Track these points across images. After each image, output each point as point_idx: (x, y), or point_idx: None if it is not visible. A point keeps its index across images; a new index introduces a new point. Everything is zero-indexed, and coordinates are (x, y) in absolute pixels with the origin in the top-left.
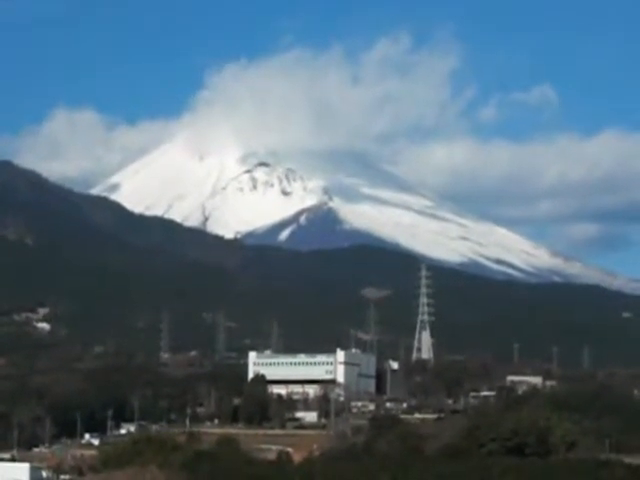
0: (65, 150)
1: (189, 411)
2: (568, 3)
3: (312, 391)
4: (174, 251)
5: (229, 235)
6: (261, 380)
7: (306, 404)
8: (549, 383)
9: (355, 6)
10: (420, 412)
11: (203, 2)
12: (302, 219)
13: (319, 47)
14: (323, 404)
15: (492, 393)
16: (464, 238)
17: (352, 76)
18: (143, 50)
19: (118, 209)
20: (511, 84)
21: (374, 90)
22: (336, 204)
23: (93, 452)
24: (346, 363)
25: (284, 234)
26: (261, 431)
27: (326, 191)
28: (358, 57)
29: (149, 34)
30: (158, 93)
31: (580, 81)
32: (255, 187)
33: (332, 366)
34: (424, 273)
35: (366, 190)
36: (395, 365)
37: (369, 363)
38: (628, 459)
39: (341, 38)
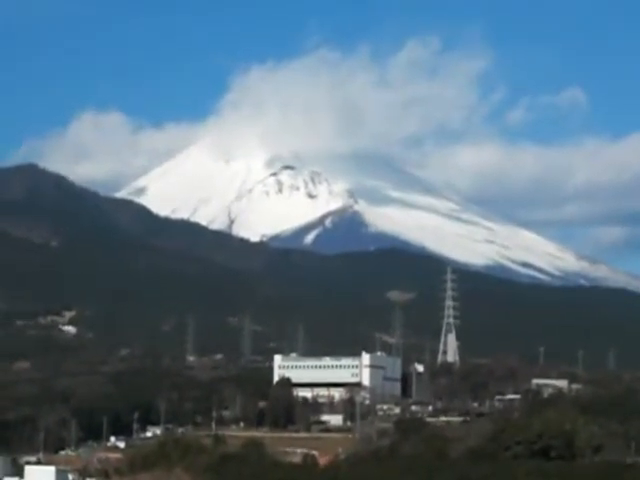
0: (91, 153)
1: (215, 414)
2: (598, 6)
3: (337, 394)
4: (200, 254)
5: (255, 238)
6: (286, 383)
7: (331, 407)
8: (575, 386)
9: (383, 8)
10: (445, 415)
11: (230, 4)
12: (327, 222)
13: (346, 48)
14: (348, 407)
15: (517, 396)
16: (490, 241)
17: (379, 78)
18: (170, 53)
19: (144, 212)
20: (540, 87)
21: (401, 92)
22: (361, 207)
23: (119, 455)
24: (371, 366)
25: (309, 237)
26: (286, 434)
27: (352, 194)
28: (386, 59)
29: (176, 37)
30: (184, 96)
31: (609, 84)
32: (281, 190)
33: (357, 369)
34: (450, 276)
35: (392, 193)
36: (420, 368)
37: (394, 366)
38: None
39: (369, 40)
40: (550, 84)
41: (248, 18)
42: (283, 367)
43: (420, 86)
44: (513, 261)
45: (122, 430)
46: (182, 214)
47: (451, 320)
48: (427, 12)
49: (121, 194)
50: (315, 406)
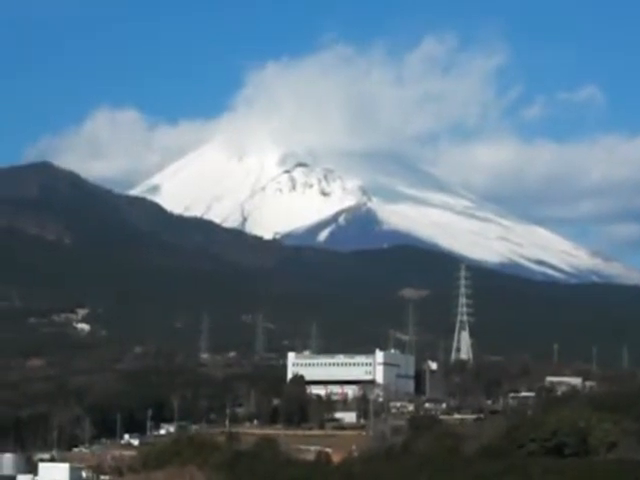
0: (105, 150)
1: (228, 411)
2: (616, 3)
3: (351, 392)
4: (213, 252)
5: (268, 236)
6: (300, 381)
7: (345, 405)
8: (589, 384)
9: (400, 4)
10: (459, 413)
11: (245, 1)
12: (341, 219)
13: (362, 44)
14: (362, 405)
15: (531, 394)
16: (504, 238)
17: (394, 74)
18: (185, 50)
19: (157, 210)
20: (556, 84)
21: (416, 89)
22: (375, 204)
23: (133, 452)
24: (385, 364)
25: (323, 235)
26: (300, 432)
27: (365, 191)
28: (401, 55)
29: (191, 34)
30: (199, 93)
31: (626, 81)
32: (294, 187)
33: (371, 367)
34: (463, 273)
35: (405, 190)
36: (434, 365)
37: (408, 364)
38: None
39: (385, 36)
40: (567, 81)
41: (263, 14)
42: (297, 365)
43: (436, 83)
44: (527, 259)
45: (136, 427)
46: (195, 212)
47: (465, 317)
48: (444, 8)
49: (135, 192)
50: (329, 403)
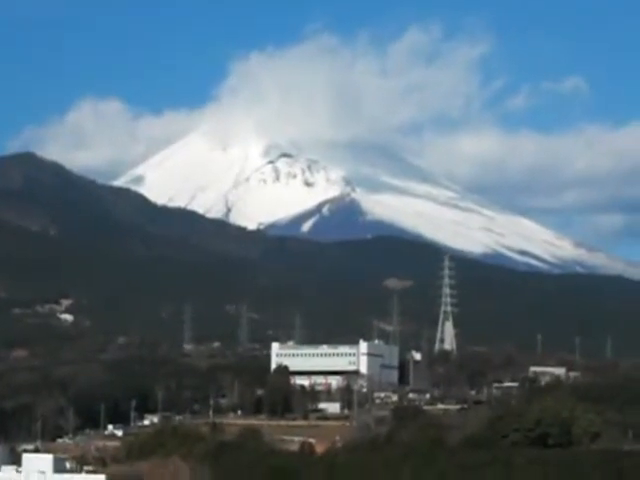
0: (89, 141)
1: (212, 402)
2: None
3: (335, 382)
4: (197, 243)
5: (252, 226)
6: (284, 371)
7: (329, 395)
8: (572, 374)
9: None
10: (443, 403)
11: None
12: (325, 210)
13: (347, 35)
14: (346, 395)
15: (515, 384)
16: (488, 229)
17: (379, 65)
18: (169, 40)
19: (141, 200)
20: (541, 74)
21: (401, 80)
22: (359, 195)
23: (116, 443)
24: (369, 354)
25: (307, 225)
26: (284, 422)
27: (349, 182)
28: (386, 46)
29: (176, 24)
30: (184, 83)
31: (611, 72)
32: (278, 178)
33: (355, 357)
34: (447, 264)
35: (389, 181)
36: (418, 356)
37: (392, 354)
38: None
39: (369, 26)
40: (551, 71)
41: (248, 3)
42: (280, 355)
43: (420, 73)
44: (511, 249)
45: (120, 418)
46: (179, 202)
47: (448, 308)
48: None
49: (119, 182)
50: (312, 394)
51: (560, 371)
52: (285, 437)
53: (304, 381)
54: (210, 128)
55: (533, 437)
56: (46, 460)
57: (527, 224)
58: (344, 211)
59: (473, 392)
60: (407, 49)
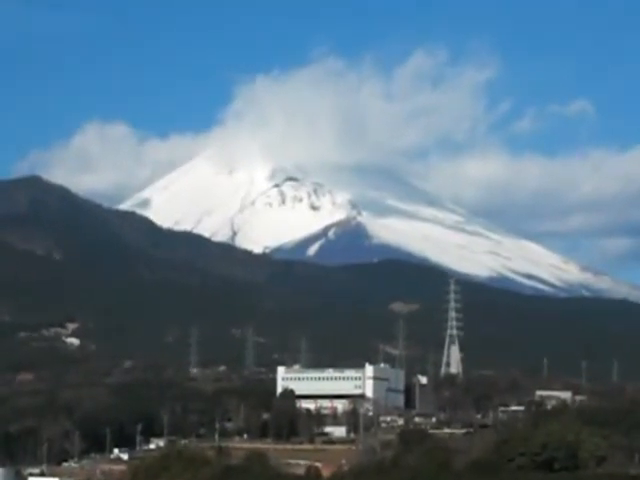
0: (95, 164)
1: (218, 426)
2: (607, 18)
3: (341, 406)
4: (203, 266)
5: (258, 250)
6: (290, 395)
7: (335, 419)
8: (578, 398)
9: (390, 18)
10: (449, 427)
11: (236, 14)
12: (331, 233)
13: (352, 58)
14: (352, 419)
15: (521, 408)
16: (493, 252)
17: (384, 89)
18: (175, 63)
19: (147, 224)
20: (547, 98)
21: (406, 103)
22: (365, 218)
23: (122, 467)
24: (375, 378)
25: (313, 249)
26: (290, 446)
27: (355, 205)
28: (391, 69)
29: (181, 47)
30: (189, 106)
31: (617, 95)
32: (284, 202)
33: (361, 381)
34: (453, 287)
35: (395, 204)
36: (424, 380)
37: (398, 378)
38: None
39: (375, 50)
40: (557, 95)
41: (254, 28)
42: (286, 379)
43: (425, 97)
44: (516, 273)
45: (125, 442)
46: (185, 226)
47: (454, 332)
48: (434, 22)
49: (125, 206)
50: (318, 418)
51: (566, 395)
52: (291, 461)
53: (310, 405)
54: (216, 152)
55: (539, 461)
56: None
57: (533, 248)
58: (350, 235)
59: (479, 416)
60: (412, 73)
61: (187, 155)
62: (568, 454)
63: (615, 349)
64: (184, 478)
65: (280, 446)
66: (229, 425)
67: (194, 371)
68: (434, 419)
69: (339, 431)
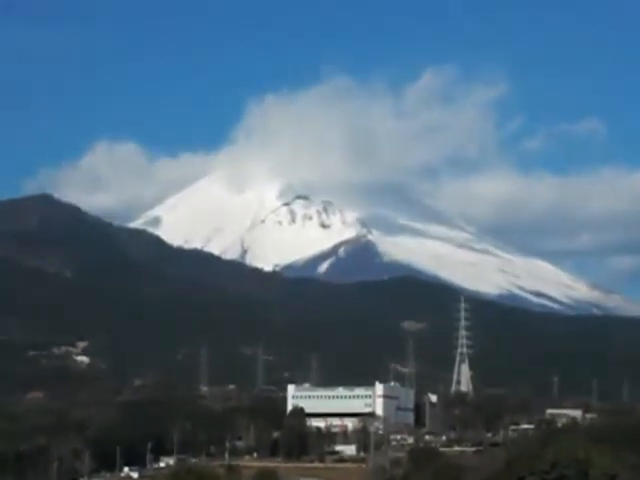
0: (106, 183)
1: (228, 444)
2: (617, 36)
3: (351, 424)
4: (213, 284)
5: (268, 268)
6: (300, 413)
7: (345, 437)
8: (589, 416)
9: (401, 36)
10: (459, 445)
11: (245, 32)
12: (341, 251)
13: (363, 76)
14: (362, 437)
15: (531, 426)
16: (503, 271)
17: (395, 107)
18: (185, 82)
19: (157, 242)
20: (557, 116)
21: (417, 121)
22: (375, 237)
23: None
24: (385, 396)
25: (323, 267)
26: (300, 464)
27: (364, 224)
28: (402, 87)
29: (191, 66)
30: (199, 125)
31: (628, 114)
32: (294, 220)
33: (371, 399)
34: (463, 306)
35: (405, 222)
36: (434, 398)
37: (408, 396)
38: None
39: (385, 68)
40: (567, 113)
41: (264, 46)
42: (296, 397)
43: (435, 115)
44: (526, 291)
45: (135, 460)
46: (196, 244)
47: (464, 350)
48: (444, 41)
49: (135, 224)
50: (329, 436)
51: (576, 413)
52: (301, 479)
53: (320, 423)
54: (226, 170)
55: (550, 479)
56: None
57: (543, 266)
58: (360, 253)
59: (489, 434)
60: (423, 91)
61: (197, 173)
62: (578, 472)
63: (625, 367)
64: None
65: (290, 464)
66: (239, 443)
67: (204, 389)
68: (444, 437)
69: (349, 449)
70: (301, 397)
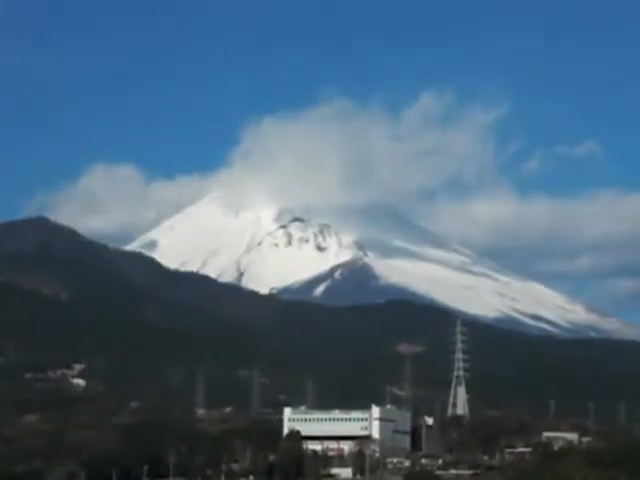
0: (102, 206)
1: (224, 467)
2: (615, 59)
3: (347, 447)
4: (209, 307)
5: (264, 291)
6: (296, 436)
7: (341, 460)
8: (585, 439)
9: (400, 58)
10: (456, 468)
11: (243, 54)
12: (337, 274)
13: (361, 99)
14: (358, 460)
15: (528, 449)
16: (500, 294)
17: (393, 129)
18: (182, 104)
19: (153, 265)
20: (555, 139)
21: (414, 144)
22: (371, 259)
23: None
24: (381, 419)
25: (319, 289)
26: None
27: (361, 246)
28: (400, 110)
29: (188, 88)
30: (196, 147)
31: (626, 137)
32: (290, 242)
33: (367, 422)
34: (459, 328)
35: (402, 246)
36: (430, 421)
37: (404, 419)
38: None
39: (384, 90)
40: (565, 136)
41: (261, 68)
42: (293, 420)
43: (434, 138)
44: (523, 314)
45: None
46: (192, 267)
47: (461, 372)
48: (443, 63)
49: (131, 247)
50: (325, 459)
51: (573, 436)
52: None
53: (316, 446)
54: (222, 193)
55: None
56: None
57: (540, 289)
58: (356, 276)
59: (486, 457)
60: (421, 114)
61: (193, 196)
62: None
63: (622, 390)
64: None
65: None
66: (235, 466)
67: (200, 412)
68: (440, 460)
69: (345, 472)
70: (297, 420)
